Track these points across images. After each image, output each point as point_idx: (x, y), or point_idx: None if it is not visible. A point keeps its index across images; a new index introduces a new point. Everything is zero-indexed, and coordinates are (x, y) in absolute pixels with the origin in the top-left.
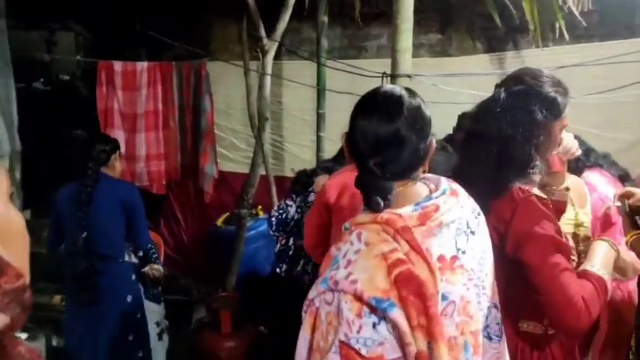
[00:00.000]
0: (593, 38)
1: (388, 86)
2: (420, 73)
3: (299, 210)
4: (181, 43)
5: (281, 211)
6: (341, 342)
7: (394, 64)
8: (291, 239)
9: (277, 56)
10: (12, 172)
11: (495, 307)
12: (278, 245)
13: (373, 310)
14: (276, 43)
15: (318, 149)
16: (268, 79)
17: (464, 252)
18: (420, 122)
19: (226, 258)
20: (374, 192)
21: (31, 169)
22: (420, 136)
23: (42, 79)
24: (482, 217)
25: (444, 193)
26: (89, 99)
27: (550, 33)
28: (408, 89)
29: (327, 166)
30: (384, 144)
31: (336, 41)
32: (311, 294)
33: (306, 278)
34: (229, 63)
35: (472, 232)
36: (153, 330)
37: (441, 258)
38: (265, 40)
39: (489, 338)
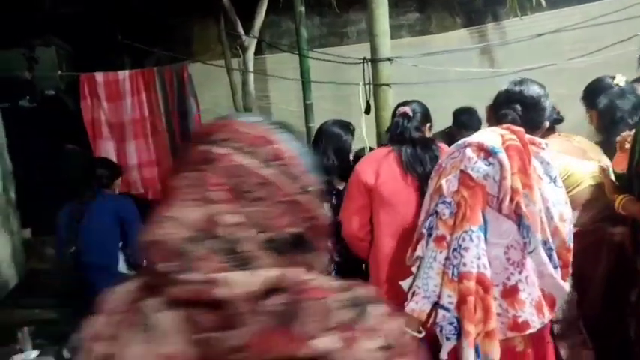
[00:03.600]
0: (571, 2)
1: (528, 78)
2: (401, 54)
3: None
4: (161, 48)
5: None
6: (461, 171)
7: (373, 49)
8: None
9: (259, 51)
10: (6, 193)
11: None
12: None
13: (488, 154)
14: (255, 40)
15: (308, 140)
16: (251, 76)
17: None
18: (537, 107)
19: None
20: (507, 117)
21: (26, 188)
22: (532, 114)
23: (27, 97)
24: (563, 188)
25: (546, 145)
26: (76, 112)
27: (527, 1)
28: (539, 83)
29: None
30: (522, 104)
31: (315, 30)
32: (441, 160)
33: None
34: (210, 64)
35: (555, 183)
36: None
37: (533, 169)
38: (244, 37)
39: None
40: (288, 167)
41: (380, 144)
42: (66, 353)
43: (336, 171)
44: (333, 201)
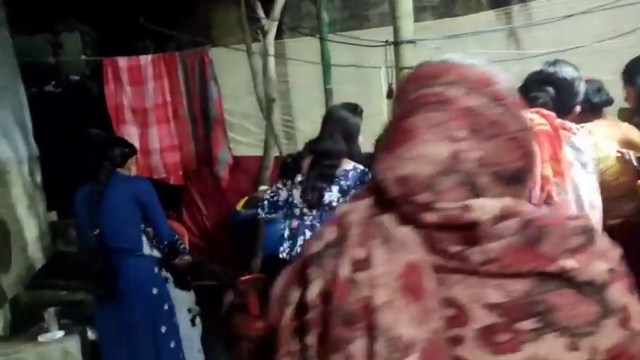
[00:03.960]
0: None
1: (562, 59)
2: (426, 36)
3: (290, 193)
4: (182, 32)
5: (272, 194)
6: None
7: (396, 31)
8: (288, 221)
9: (279, 35)
10: (32, 177)
11: None
12: (279, 230)
13: None
14: (276, 23)
15: None
16: (272, 60)
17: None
18: (571, 90)
19: (250, 241)
20: (538, 100)
21: (52, 172)
22: (564, 97)
23: (53, 82)
24: (594, 175)
25: (578, 130)
26: (100, 97)
27: None
28: (573, 65)
29: (312, 149)
30: (555, 86)
31: (336, 13)
32: None
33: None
34: (231, 48)
35: (586, 169)
36: (185, 317)
37: (564, 155)
38: (264, 21)
39: None
40: (509, 107)
41: None
42: (90, 334)
43: (345, 154)
44: (342, 182)
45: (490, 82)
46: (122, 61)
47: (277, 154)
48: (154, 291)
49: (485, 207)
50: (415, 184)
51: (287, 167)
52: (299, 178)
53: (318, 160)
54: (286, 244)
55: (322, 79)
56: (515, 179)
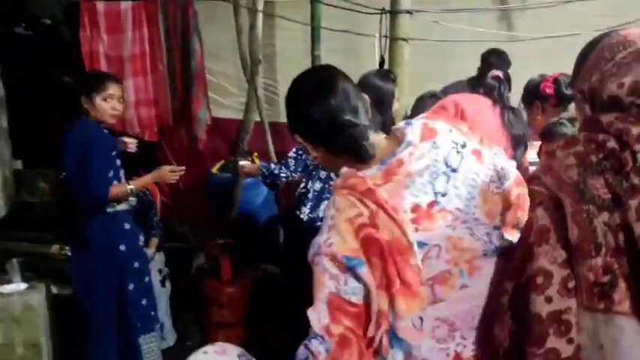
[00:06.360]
0: None
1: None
2: (421, 9)
3: None
4: None
5: (300, 152)
6: (331, 293)
7: (393, 0)
8: (310, 182)
9: None
10: None
11: (498, 228)
12: (299, 188)
13: (345, 268)
14: None
15: None
16: (260, 18)
17: (444, 194)
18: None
19: (223, 205)
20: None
21: (20, 118)
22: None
23: (23, 24)
24: (469, 146)
25: (408, 145)
26: (73, 43)
27: None
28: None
29: None
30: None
31: None
32: (309, 257)
33: None
34: (217, 0)
35: (453, 170)
36: (155, 277)
37: (415, 208)
38: None
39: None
40: None
41: None
42: (53, 288)
43: (377, 126)
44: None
45: None
46: (100, 6)
47: (258, 119)
48: (122, 247)
49: None
50: None
51: None
52: None
53: None
54: (308, 206)
55: (310, 45)
56: None
